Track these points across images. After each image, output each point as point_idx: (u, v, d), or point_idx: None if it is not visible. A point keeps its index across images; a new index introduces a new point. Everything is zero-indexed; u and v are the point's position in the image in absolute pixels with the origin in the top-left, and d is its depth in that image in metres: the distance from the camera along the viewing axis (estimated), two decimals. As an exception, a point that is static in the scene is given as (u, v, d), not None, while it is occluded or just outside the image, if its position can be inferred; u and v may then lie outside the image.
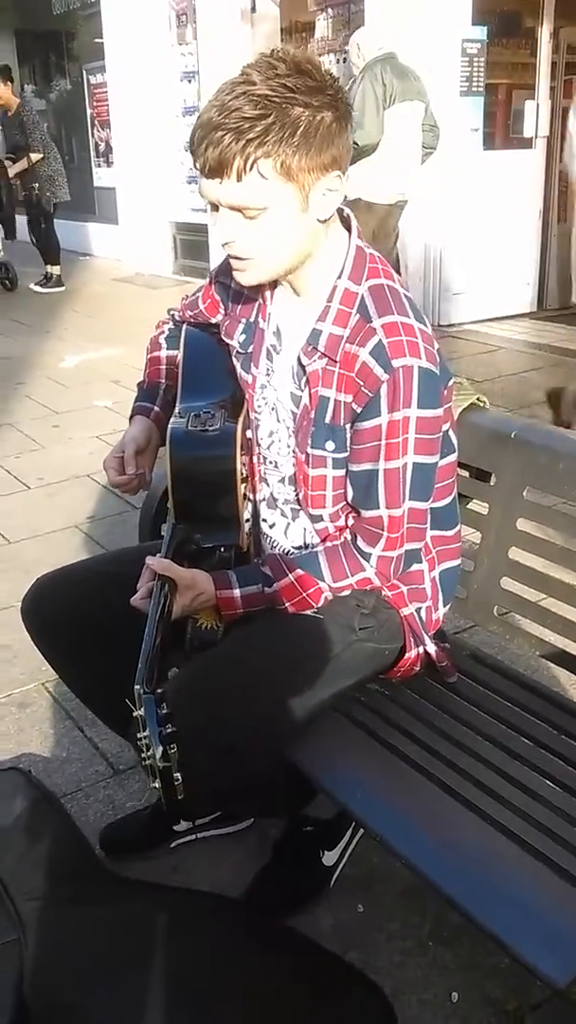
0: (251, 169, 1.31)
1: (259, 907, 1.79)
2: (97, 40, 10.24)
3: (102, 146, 11.05)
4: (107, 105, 10.40)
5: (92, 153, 11.33)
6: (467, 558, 1.80)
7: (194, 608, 1.48)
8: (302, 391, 1.53)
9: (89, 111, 11.15)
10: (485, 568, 1.83)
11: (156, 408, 1.80)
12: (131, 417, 1.81)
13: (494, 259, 6.55)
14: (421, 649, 1.64)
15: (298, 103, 1.29)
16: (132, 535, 3.39)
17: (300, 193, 1.35)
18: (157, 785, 1.15)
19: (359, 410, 1.44)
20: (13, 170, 8.55)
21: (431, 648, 1.65)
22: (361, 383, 1.43)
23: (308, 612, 1.55)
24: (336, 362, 1.46)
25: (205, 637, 1.55)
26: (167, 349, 1.87)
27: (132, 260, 9.98)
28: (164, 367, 1.85)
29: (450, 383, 1.56)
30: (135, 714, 1.18)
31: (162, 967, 1.69)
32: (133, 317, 7.59)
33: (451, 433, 1.59)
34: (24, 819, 1.96)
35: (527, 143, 6.68)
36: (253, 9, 7.89)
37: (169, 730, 1.15)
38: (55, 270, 8.78)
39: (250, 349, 1.63)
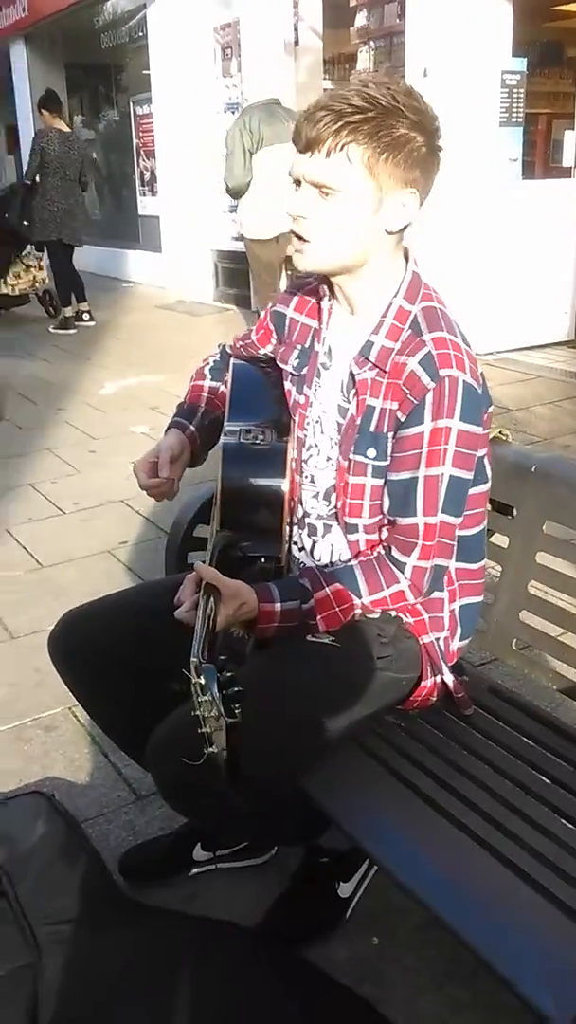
0: (340, 150, 1.41)
1: (275, 937, 1.79)
2: (144, 72, 10.45)
3: (147, 175, 11.24)
4: (153, 135, 10.60)
5: (138, 182, 11.52)
6: (487, 591, 1.80)
7: (236, 618, 1.48)
8: (349, 402, 1.58)
9: (135, 141, 11.34)
10: (504, 601, 1.83)
11: (192, 427, 1.84)
12: (167, 430, 1.85)
13: (532, 287, 6.53)
14: (438, 679, 1.65)
15: (399, 114, 1.41)
16: (164, 561, 3.44)
17: (377, 193, 1.45)
18: (215, 750, 1.14)
19: (403, 418, 1.49)
20: None
21: (448, 678, 1.65)
22: (408, 391, 1.48)
23: (326, 639, 1.56)
24: (385, 372, 1.52)
25: (235, 645, 1.56)
26: (211, 380, 1.92)
27: (174, 288, 10.11)
28: (205, 395, 1.90)
29: (490, 409, 1.59)
30: (193, 683, 1.16)
31: (177, 994, 1.69)
32: (174, 344, 7.68)
33: (486, 462, 1.62)
34: (45, 843, 1.98)
35: (566, 172, 6.67)
36: (296, 42, 8.00)
37: (236, 690, 1.13)
38: (67, 311, 8.50)
39: (304, 371, 1.68)
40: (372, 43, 7.44)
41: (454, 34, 6.06)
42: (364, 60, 7.58)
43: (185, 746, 1.38)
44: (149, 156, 11.01)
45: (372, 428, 1.54)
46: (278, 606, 1.51)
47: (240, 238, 6.52)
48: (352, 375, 1.56)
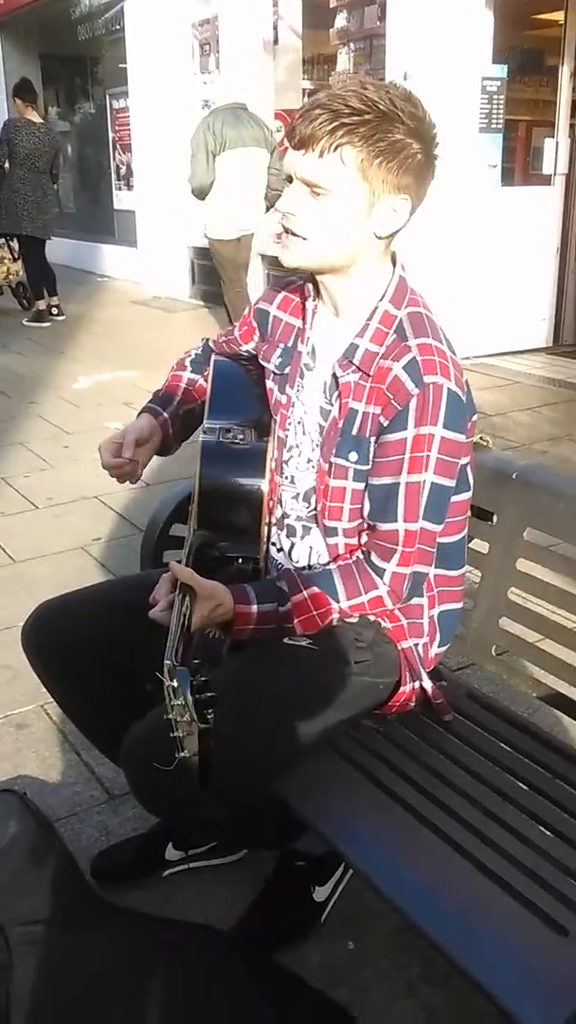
0: (334, 151, 1.40)
1: (248, 941, 1.78)
2: (121, 65, 10.38)
3: (123, 169, 11.18)
4: (129, 129, 10.53)
5: (113, 176, 11.46)
6: (467, 597, 1.80)
7: (211, 620, 1.47)
8: (332, 404, 1.57)
9: (111, 135, 11.28)
10: (484, 607, 1.83)
11: (165, 415, 1.82)
12: (139, 414, 1.83)
13: (510, 293, 6.56)
14: (417, 684, 1.64)
15: (398, 120, 1.40)
16: (138, 559, 3.41)
17: (369, 197, 1.43)
18: (187, 754, 1.11)
19: (386, 423, 1.48)
20: None
21: (427, 684, 1.65)
22: (391, 396, 1.47)
23: (304, 643, 1.55)
24: (369, 376, 1.51)
25: (211, 645, 1.55)
26: (190, 372, 1.90)
27: (150, 283, 10.06)
28: (183, 385, 1.88)
29: (474, 418, 1.58)
30: (166, 686, 1.14)
31: (151, 998, 1.68)
32: (149, 340, 7.64)
33: (469, 470, 1.61)
34: (17, 843, 1.96)
35: (546, 180, 6.70)
36: (276, 41, 7.99)
37: (209, 695, 1.10)
38: (40, 304, 8.39)
39: (287, 371, 1.67)
40: (352, 45, 7.45)
41: (435, 38, 6.07)
42: (344, 61, 7.59)
43: (159, 748, 1.36)
44: (125, 150, 10.95)
45: (354, 432, 1.53)
46: (255, 608, 1.50)
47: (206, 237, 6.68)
48: (335, 377, 1.56)
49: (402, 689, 1.63)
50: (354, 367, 1.52)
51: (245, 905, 1.84)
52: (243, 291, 6.70)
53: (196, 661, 1.17)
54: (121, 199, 11.34)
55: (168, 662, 1.19)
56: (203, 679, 1.13)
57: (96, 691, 1.76)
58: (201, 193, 6.31)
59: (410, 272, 1.59)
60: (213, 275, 9.11)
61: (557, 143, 6.61)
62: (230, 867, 1.96)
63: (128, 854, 1.97)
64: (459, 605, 1.72)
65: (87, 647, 1.70)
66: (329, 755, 1.58)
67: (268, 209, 6.51)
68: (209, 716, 1.10)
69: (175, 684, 1.13)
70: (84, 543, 3.66)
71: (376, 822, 1.45)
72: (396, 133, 1.40)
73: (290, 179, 1.47)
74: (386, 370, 1.49)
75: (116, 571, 3.36)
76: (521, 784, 1.53)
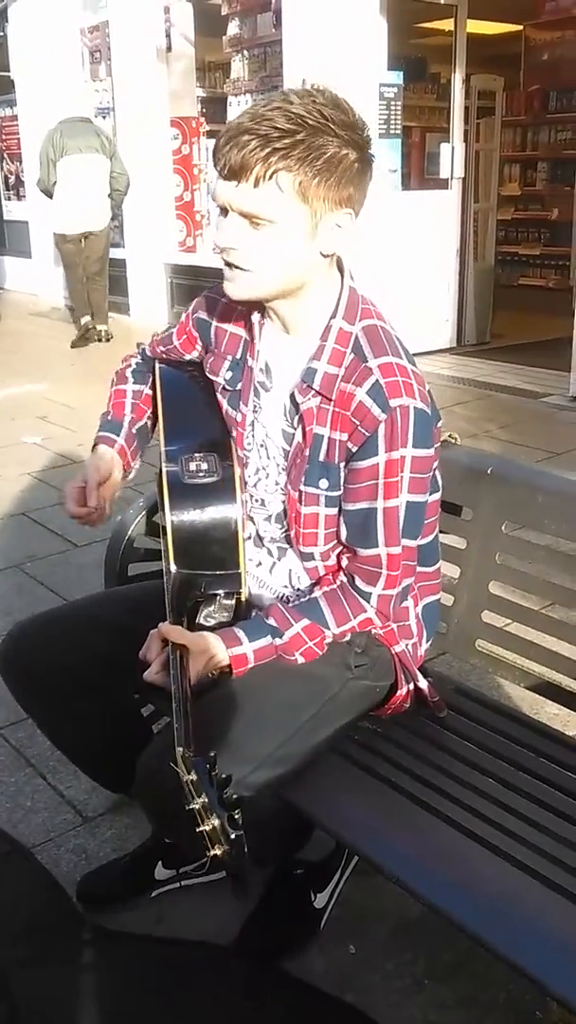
0: (270, 178, 1.34)
1: (250, 954, 1.75)
2: (3, 73, 10.15)
3: (11, 179, 10.94)
4: (17, 138, 10.32)
5: (2, 186, 11.20)
6: (447, 592, 1.82)
7: (207, 671, 1.45)
8: (295, 429, 1.53)
9: (-3, 144, 11.04)
10: (465, 602, 1.85)
11: (120, 441, 1.77)
12: (93, 447, 1.78)
13: (414, 296, 6.66)
14: (411, 685, 1.65)
15: (329, 132, 1.33)
16: (77, 574, 3.34)
17: (311, 219, 1.38)
18: (218, 852, 1.08)
19: (355, 449, 1.45)
20: None
21: (422, 684, 1.66)
22: (357, 423, 1.44)
23: None
24: (331, 400, 1.47)
25: (201, 682, 1.52)
26: (133, 383, 1.84)
27: (48, 294, 9.86)
28: (129, 400, 1.82)
29: (439, 424, 1.59)
30: (185, 779, 1.11)
31: (158, 1020, 1.64)
32: (54, 352, 7.50)
33: (437, 472, 1.62)
34: (-3, 874, 1.90)
35: (443, 184, 6.84)
36: (169, 48, 7.94)
37: (233, 795, 1.07)
38: None
39: (238, 387, 1.62)
40: (246, 52, 7.45)
41: (331, 45, 6.13)
42: (238, 69, 7.58)
43: (173, 773, 1.34)
44: (13, 159, 10.72)
45: (322, 458, 1.50)
46: (248, 649, 1.48)
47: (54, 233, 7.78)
48: (296, 403, 1.52)
49: (398, 692, 1.63)
50: (314, 391, 1.48)
51: (240, 919, 1.80)
52: (80, 286, 7.76)
53: (212, 754, 1.14)
54: (11, 209, 11.09)
55: (180, 749, 1.17)
56: (224, 776, 1.10)
57: (80, 711, 1.71)
58: (47, 194, 7.48)
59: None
60: (113, 285, 9.02)
61: (453, 148, 6.76)
62: (219, 882, 1.92)
63: (114, 876, 1.92)
64: (438, 596, 1.73)
65: (68, 666, 1.66)
66: (336, 760, 1.58)
67: (116, 207, 7.71)
68: (238, 819, 1.07)
69: (194, 778, 1.11)
70: (18, 562, 3.55)
71: (394, 822, 1.45)
72: (330, 147, 1.34)
73: (224, 211, 1.41)
74: (349, 395, 1.45)
75: (57, 589, 3.28)
76: (524, 773, 1.55)
